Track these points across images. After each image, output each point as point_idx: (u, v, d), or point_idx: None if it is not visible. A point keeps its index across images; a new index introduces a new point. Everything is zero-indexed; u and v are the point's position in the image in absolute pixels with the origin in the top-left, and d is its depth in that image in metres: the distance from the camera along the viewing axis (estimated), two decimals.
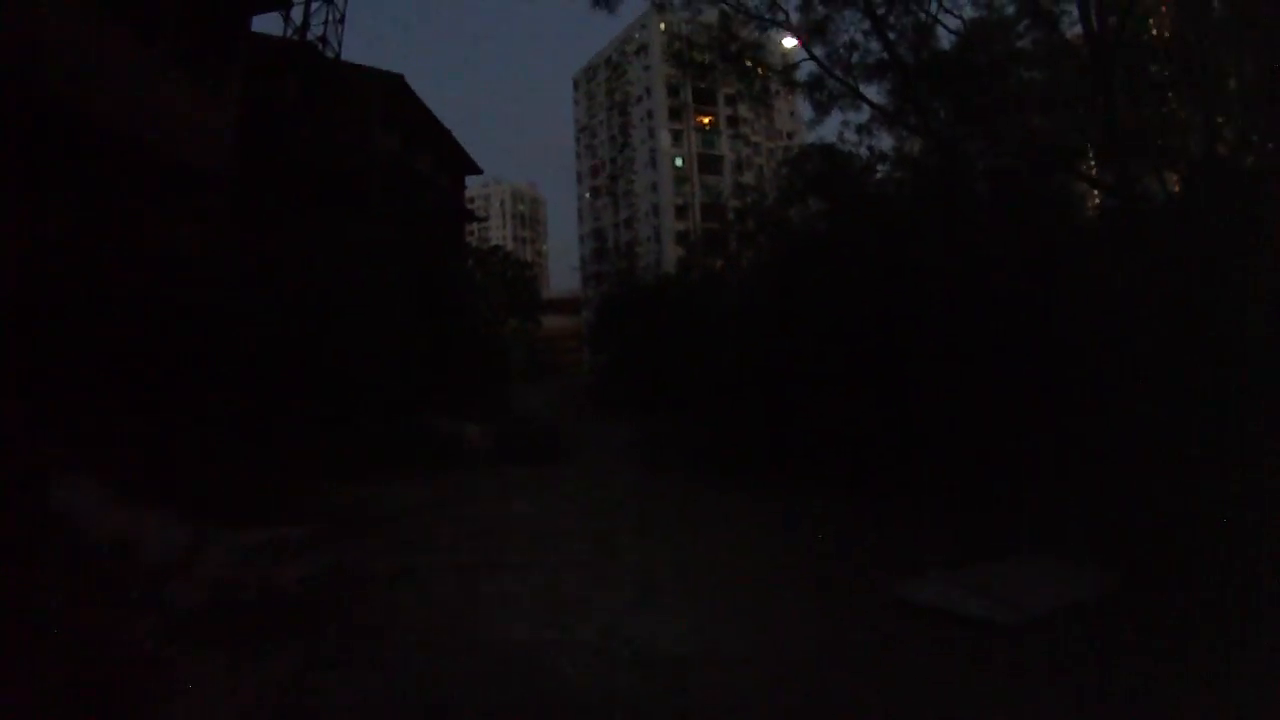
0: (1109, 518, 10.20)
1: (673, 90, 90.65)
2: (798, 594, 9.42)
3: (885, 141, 21.42)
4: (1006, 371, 13.03)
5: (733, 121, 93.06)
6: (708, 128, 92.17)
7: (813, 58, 20.71)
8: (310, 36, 26.61)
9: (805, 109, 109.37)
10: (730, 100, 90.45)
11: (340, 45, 28.48)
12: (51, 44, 13.98)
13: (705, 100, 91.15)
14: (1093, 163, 18.90)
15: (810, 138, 34.78)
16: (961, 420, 13.37)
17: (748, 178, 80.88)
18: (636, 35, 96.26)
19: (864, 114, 22.26)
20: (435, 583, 9.70)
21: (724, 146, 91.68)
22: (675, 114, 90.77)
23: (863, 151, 22.56)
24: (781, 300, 19.10)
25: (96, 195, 15.52)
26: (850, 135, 22.71)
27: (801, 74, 21.77)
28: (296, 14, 27.38)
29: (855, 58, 20.28)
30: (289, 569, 9.89)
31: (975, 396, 13.26)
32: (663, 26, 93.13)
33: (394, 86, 32.30)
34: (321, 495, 14.45)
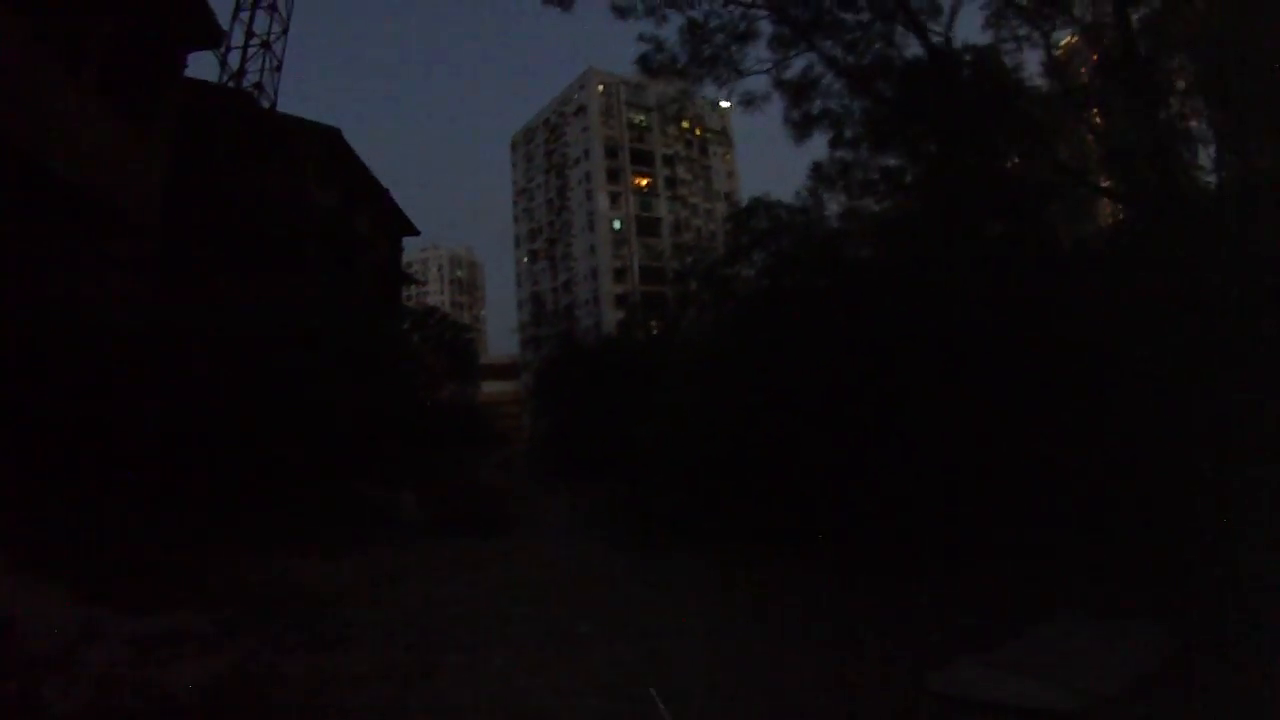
0: (1157, 566, 8.97)
1: (611, 152, 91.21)
2: (811, 700, 7.73)
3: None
4: (1016, 404, 11.80)
5: (671, 183, 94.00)
6: (646, 190, 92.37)
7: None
8: (246, 84, 25.62)
9: (744, 165, 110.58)
10: (668, 161, 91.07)
11: (276, 95, 27.44)
12: None
13: (643, 161, 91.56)
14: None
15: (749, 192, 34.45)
16: (957, 468, 12.02)
17: (686, 238, 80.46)
18: (575, 96, 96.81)
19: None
20: (357, 693, 7.98)
21: (662, 208, 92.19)
22: (614, 176, 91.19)
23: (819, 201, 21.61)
24: (736, 358, 17.87)
25: None
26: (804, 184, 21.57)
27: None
28: (234, 59, 26.42)
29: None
30: (187, 668, 8.23)
31: (974, 439, 11.94)
32: (600, 88, 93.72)
33: (331, 140, 31.00)
34: (237, 572, 12.61)
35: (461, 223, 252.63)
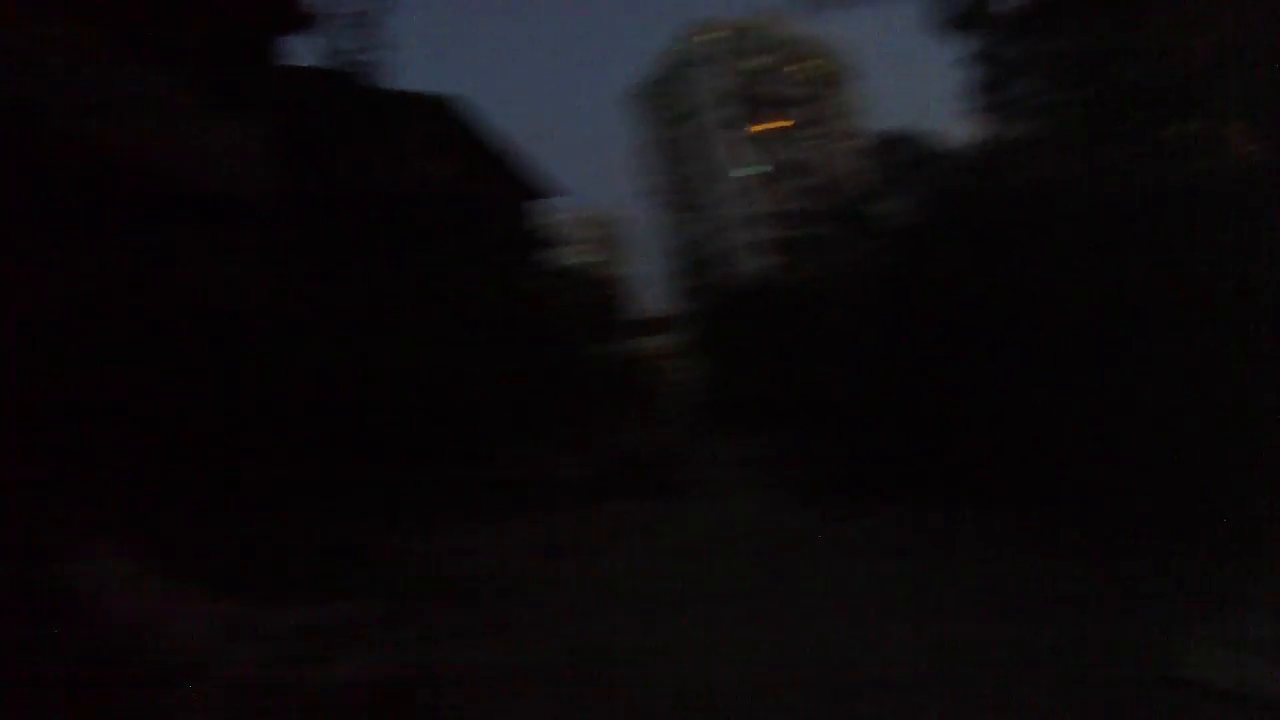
0: None
1: (738, 97, 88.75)
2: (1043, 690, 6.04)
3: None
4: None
5: (802, 124, 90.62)
6: (774, 133, 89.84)
7: None
8: (353, 63, 24.83)
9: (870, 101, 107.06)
10: (797, 102, 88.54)
11: (388, 70, 26.62)
12: (60, 71, 12.67)
13: (769, 104, 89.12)
14: None
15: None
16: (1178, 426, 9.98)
17: (819, 179, 78.10)
18: (694, 44, 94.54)
19: None
20: (525, 692, 6.66)
21: (795, 150, 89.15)
22: (743, 121, 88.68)
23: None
24: (894, 298, 16.36)
25: (117, 231, 13.29)
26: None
27: None
28: (340, 40, 25.77)
29: None
30: (336, 668, 7.16)
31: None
32: (715, 34, 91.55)
33: (449, 110, 30.01)
34: (393, 553, 11.72)
35: (598, 181, 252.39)
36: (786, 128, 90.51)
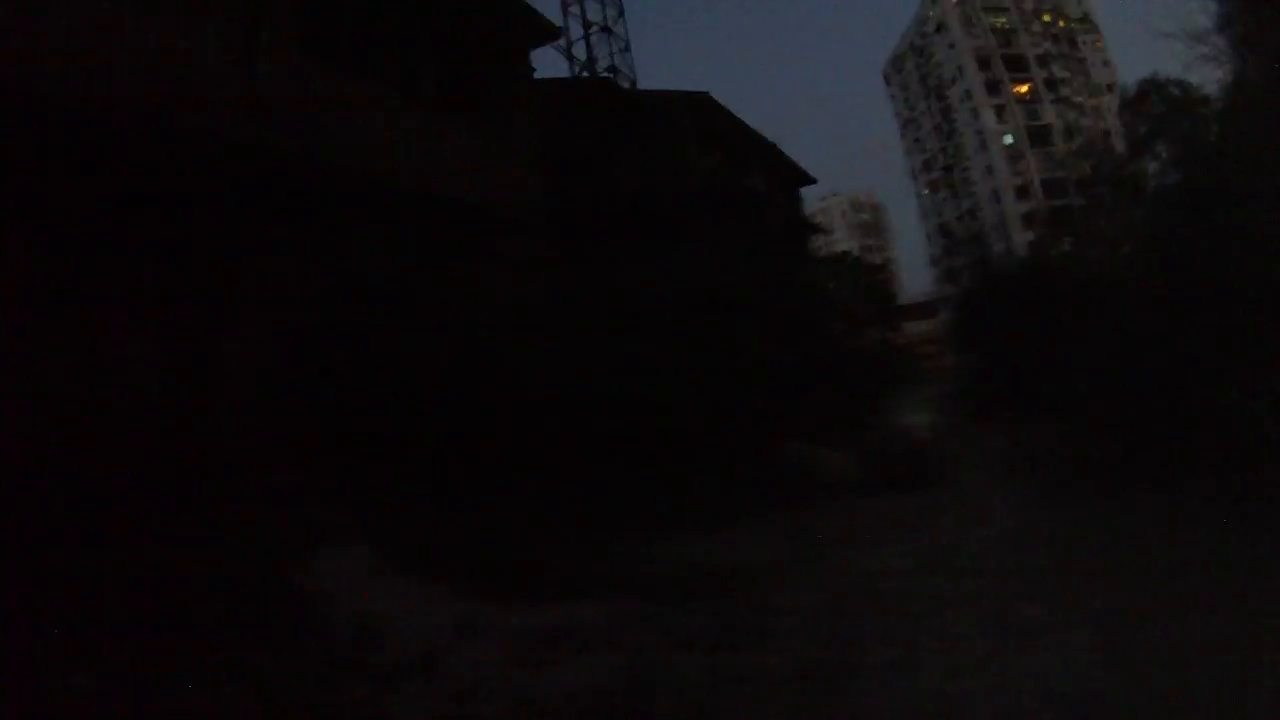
0: None
1: (984, 63, 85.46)
2: None
3: None
4: None
5: (1050, 85, 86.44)
6: (1028, 97, 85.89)
7: None
8: (599, 70, 25.58)
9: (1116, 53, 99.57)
10: (1042, 62, 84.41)
11: (634, 73, 27.23)
12: (326, 117, 14.71)
13: (1018, 67, 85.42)
14: None
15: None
16: None
17: (1079, 141, 74.09)
18: (932, 13, 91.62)
19: None
20: (763, 701, 6.66)
21: (1049, 113, 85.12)
22: (993, 88, 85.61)
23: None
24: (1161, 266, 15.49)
25: (390, 248, 14.58)
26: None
27: None
28: (580, 51, 26.53)
29: None
30: (565, 671, 7.31)
31: None
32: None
33: (702, 104, 30.59)
34: (640, 554, 11.74)
35: (855, 165, 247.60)
36: (1041, 87, 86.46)
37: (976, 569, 10.94)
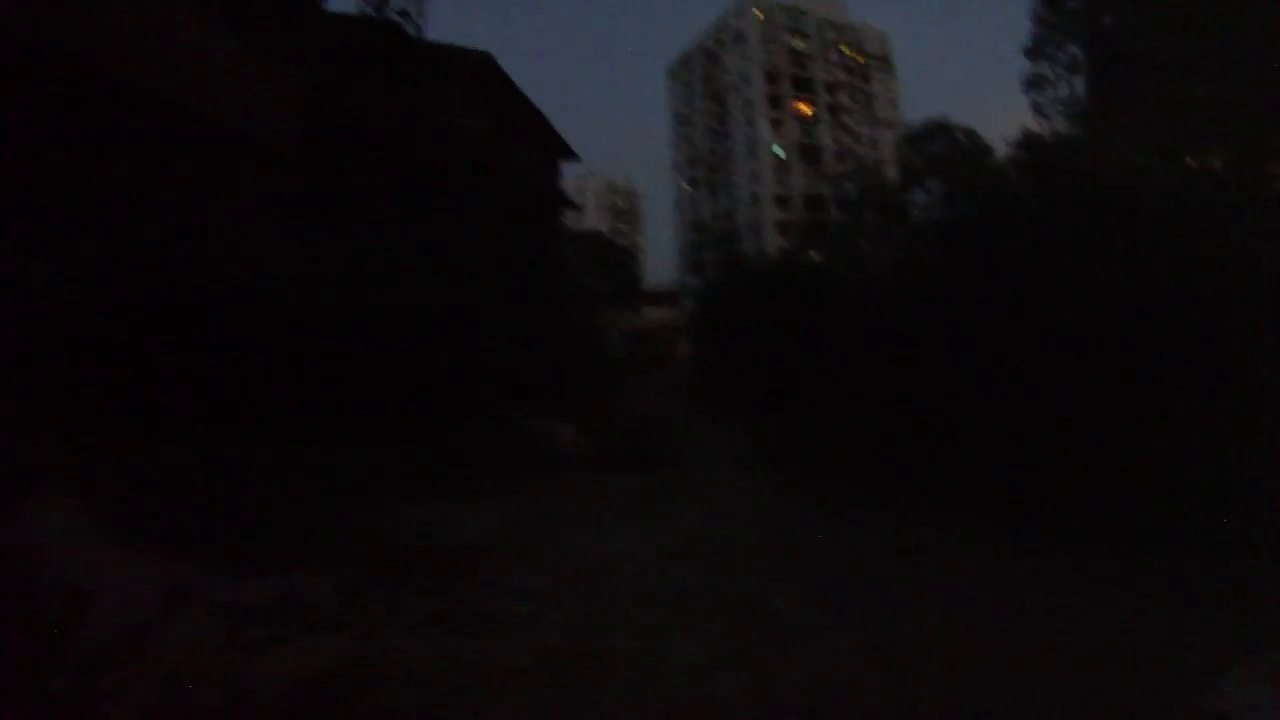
0: None
1: (771, 78, 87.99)
2: None
3: None
4: None
5: (833, 110, 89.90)
6: (808, 117, 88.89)
7: None
8: (390, 12, 24.23)
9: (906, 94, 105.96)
10: (830, 89, 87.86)
11: (423, 22, 25.95)
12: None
13: (804, 88, 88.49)
14: None
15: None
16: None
17: (849, 165, 77.39)
18: (733, 22, 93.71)
19: None
20: (503, 696, 5.93)
21: (824, 135, 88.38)
22: (775, 103, 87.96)
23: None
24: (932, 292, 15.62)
25: (128, 159, 13.13)
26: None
27: None
28: None
29: None
30: (289, 653, 6.38)
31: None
32: (758, 14, 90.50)
33: (483, 66, 29.70)
34: (370, 521, 10.82)
35: (617, 151, 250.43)
36: (824, 111, 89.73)
37: (717, 559, 10.65)
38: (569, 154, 40.83)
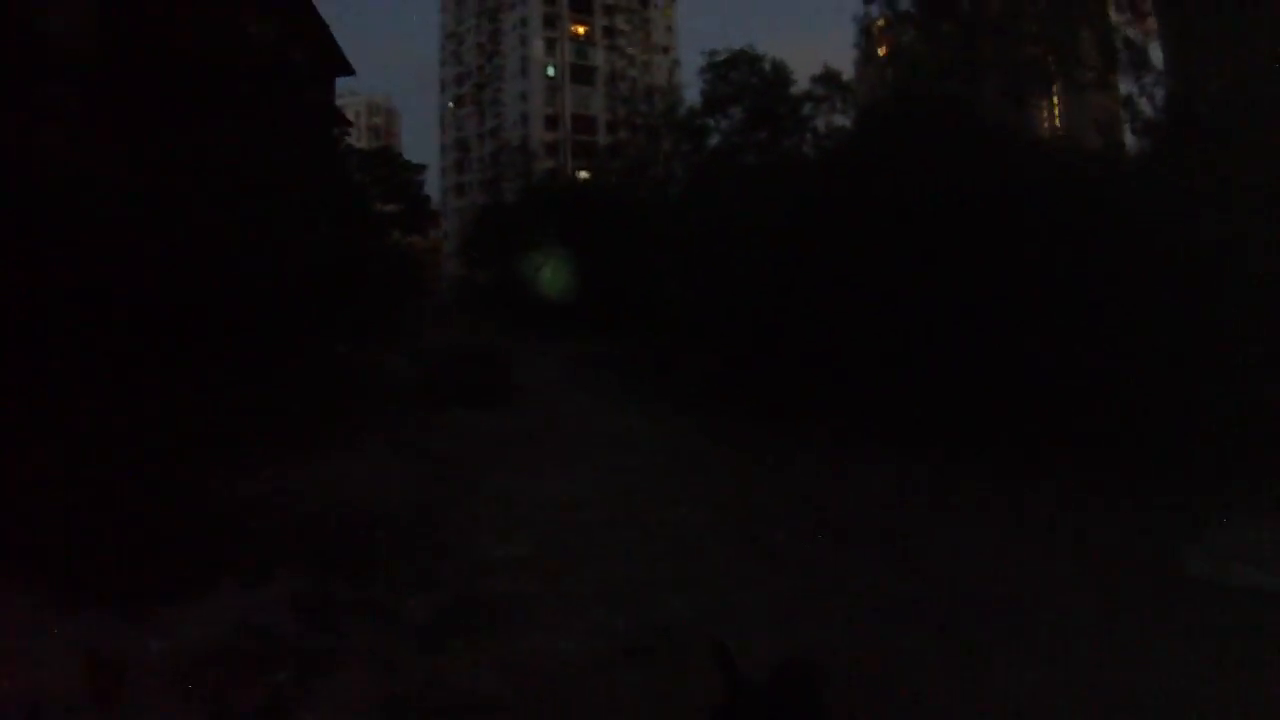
0: None
1: None
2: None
3: None
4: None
5: (609, 32, 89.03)
6: (583, 38, 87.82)
7: None
8: None
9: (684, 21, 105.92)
10: (607, 11, 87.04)
11: None
12: None
13: (582, 9, 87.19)
14: None
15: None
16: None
17: (622, 88, 77.28)
18: None
19: None
20: None
21: (599, 58, 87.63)
22: (551, 22, 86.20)
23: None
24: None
25: None
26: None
27: None
28: None
29: None
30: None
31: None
32: None
33: None
34: (251, 494, 9.03)
35: (374, 67, 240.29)
36: (599, 34, 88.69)
37: (634, 485, 10.36)
38: (345, 68, 38.41)
